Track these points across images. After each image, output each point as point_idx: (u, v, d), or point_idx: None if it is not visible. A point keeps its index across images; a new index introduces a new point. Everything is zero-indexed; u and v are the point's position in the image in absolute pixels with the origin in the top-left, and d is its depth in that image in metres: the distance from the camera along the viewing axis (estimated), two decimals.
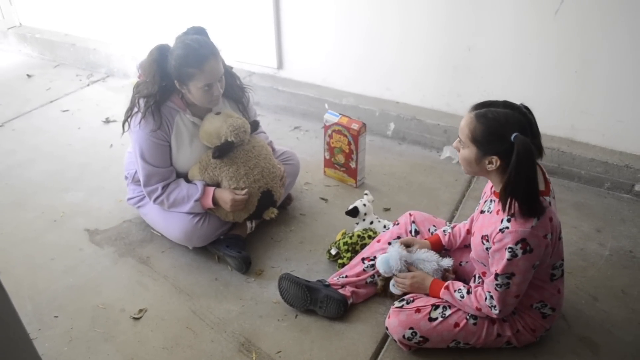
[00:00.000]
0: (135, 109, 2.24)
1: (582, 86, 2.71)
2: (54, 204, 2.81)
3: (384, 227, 2.42)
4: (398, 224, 2.27)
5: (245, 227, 2.47)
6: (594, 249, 2.44)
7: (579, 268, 2.33)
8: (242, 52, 3.65)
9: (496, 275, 1.72)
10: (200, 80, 2.13)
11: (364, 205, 2.43)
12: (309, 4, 3.30)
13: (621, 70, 2.61)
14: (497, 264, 1.70)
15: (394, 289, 2.07)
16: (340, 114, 2.79)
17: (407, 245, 2.12)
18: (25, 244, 2.55)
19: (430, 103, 3.23)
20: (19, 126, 3.59)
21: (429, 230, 2.23)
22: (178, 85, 2.20)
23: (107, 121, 3.60)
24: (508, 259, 1.66)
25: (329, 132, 2.82)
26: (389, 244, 2.19)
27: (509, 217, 1.66)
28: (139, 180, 2.39)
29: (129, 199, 2.54)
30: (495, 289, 1.74)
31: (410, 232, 2.23)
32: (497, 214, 1.72)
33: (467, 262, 2.12)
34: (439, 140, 3.17)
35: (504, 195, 1.64)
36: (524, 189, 1.61)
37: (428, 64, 3.11)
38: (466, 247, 2.14)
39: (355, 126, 2.71)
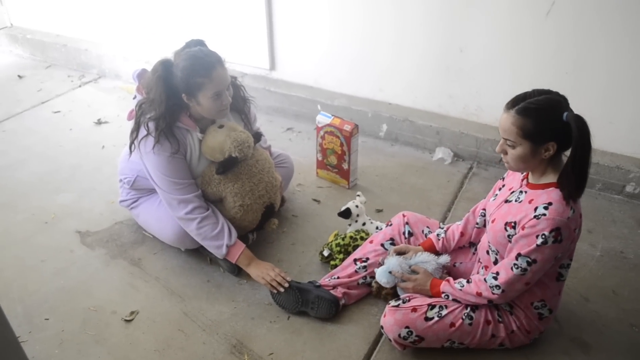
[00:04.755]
0: (144, 132, 2.15)
1: (573, 87, 2.71)
2: (45, 206, 2.79)
3: (377, 228, 2.42)
4: (391, 224, 2.27)
5: (245, 238, 2.43)
6: (585, 249, 2.45)
7: (571, 269, 2.32)
8: (234, 53, 3.63)
9: (518, 255, 1.71)
10: (210, 89, 2.09)
11: (357, 206, 2.43)
12: (302, 5, 3.29)
13: (612, 71, 2.63)
14: (522, 248, 1.70)
15: (400, 292, 2.08)
16: (332, 115, 2.79)
17: (402, 253, 2.12)
18: (15, 245, 2.54)
19: (422, 104, 3.24)
20: (10, 127, 3.56)
21: (422, 231, 2.23)
22: (186, 99, 2.14)
23: (99, 122, 3.58)
24: (538, 245, 1.66)
25: (322, 133, 2.81)
26: (382, 245, 2.20)
27: (546, 204, 1.66)
28: (139, 187, 2.40)
29: (121, 201, 2.53)
30: (511, 269, 1.73)
31: (404, 233, 2.22)
32: (530, 202, 1.72)
33: (461, 263, 2.13)
34: (431, 141, 3.18)
35: (571, 173, 1.64)
36: (583, 166, 1.64)
37: (421, 66, 3.12)
38: (460, 249, 2.15)
39: (347, 127, 2.71)
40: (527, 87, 1.71)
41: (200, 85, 2.09)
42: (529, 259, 1.70)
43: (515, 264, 1.73)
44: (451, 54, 2.98)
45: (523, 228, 1.70)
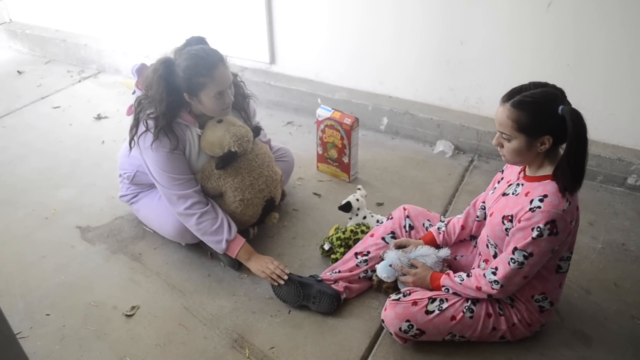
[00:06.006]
0: (143, 128, 2.14)
1: (575, 79, 2.71)
2: (45, 201, 2.79)
3: (377, 221, 2.41)
4: (392, 218, 2.26)
5: (246, 233, 2.44)
6: (587, 242, 2.45)
7: (572, 261, 2.30)
8: (234, 46, 3.63)
9: (514, 249, 1.71)
10: (212, 88, 2.08)
11: (357, 200, 2.43)
12: None
13: (614, 63, 2.61)
14: (518, 242, 1.70)
15: (401, 286, 2.08)
16: (332, 109, 2.78)
17: (403, 246, 2.12)
18: (16, 241, 2.54)
19: (423, 97, 3.23)
20: (10, 123, 3.56)
21: (423, 225, 2.22)
22: (188, 98, 2.13)
23: (99, 117, 3.58)
24: (533, 237, 1.66)
25: (322, 127, 2.81)
26: (383, 239, 2.19)
27: (541, 197, 1.65)
28: (139, 182, 2.39)
29: (122, 196, 2.52)
30: (509, 264, 1.73)
31: (405, 226, 2.22)
32: (526, 195, 1.71)
33: (462, 256, 2.13)
34: (431, 134, 3.17)
35: (566, 167, 1.63)
36: (578, 160, 1.62)
37: (421, 58, 3.11)
38: (461, 242, 2.15)
39: (347, 121, 2.70)
40: (528, 80, 1.70)
41: (202, 85, 2.07)
42: (525, 253, 1.70)
43: (512, 258, 1.72)
44: (451, 46, 2.97)
45: (519, 221, 1.69)
